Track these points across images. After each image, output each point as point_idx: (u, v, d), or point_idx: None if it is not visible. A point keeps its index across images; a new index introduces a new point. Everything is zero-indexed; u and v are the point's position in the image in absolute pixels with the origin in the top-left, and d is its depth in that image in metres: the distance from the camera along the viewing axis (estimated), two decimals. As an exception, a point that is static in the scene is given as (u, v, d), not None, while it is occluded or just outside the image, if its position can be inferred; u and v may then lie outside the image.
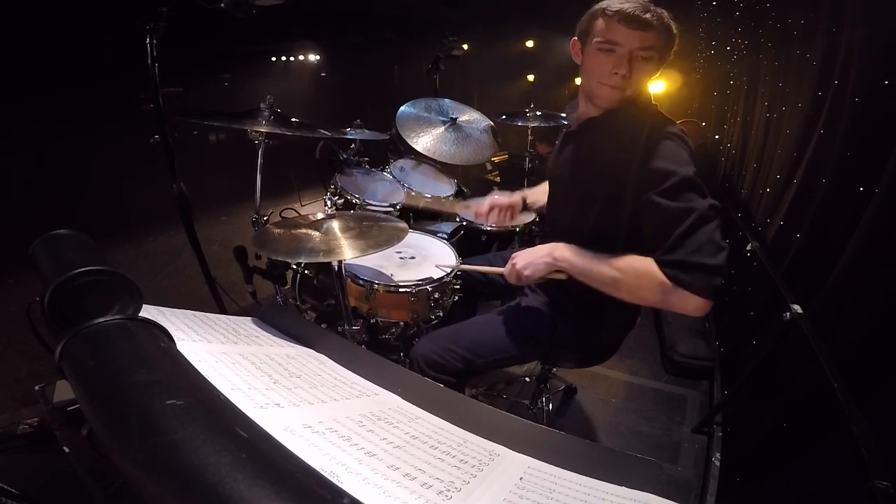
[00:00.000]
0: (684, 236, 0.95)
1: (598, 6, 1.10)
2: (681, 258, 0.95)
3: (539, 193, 1.54)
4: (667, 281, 0.96)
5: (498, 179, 3.99)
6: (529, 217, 2.05)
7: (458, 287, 1.55)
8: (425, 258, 1.63)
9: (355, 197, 1.92)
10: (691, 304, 0.96)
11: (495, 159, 3.82)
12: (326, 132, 1.87)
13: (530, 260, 1.18)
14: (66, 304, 0.43)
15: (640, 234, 1.05)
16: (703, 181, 1.02)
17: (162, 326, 0.46)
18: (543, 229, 1.97)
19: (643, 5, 1.04)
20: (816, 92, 1.65)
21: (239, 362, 0.60)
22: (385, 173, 2.22)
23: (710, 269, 0.93)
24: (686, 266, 0.94)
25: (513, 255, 1.24)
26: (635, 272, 1.02)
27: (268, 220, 1.83)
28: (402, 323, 1.57)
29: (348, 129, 2.25)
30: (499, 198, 1.53)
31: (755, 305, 1.88)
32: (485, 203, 1.53)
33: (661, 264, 0.97)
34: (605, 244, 1.10)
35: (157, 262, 2.87)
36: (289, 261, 1.76)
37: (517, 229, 2.01)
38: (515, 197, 1.54)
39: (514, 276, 1.20)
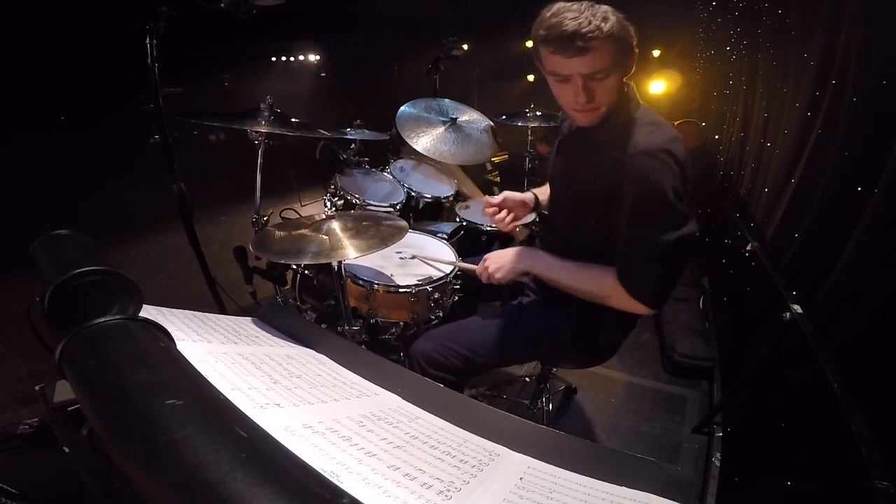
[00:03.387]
0: (646, 263, 1.04)
1: (534, 29, 1.01)
2: (639, 280, 1.06)
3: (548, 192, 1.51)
4: (624, 293, 1.07)
5: (498, 179, 3.99)
6: (530, 217, 2.05)
7: (458, 287, 1.56)
8: (425, 258, 1.63)
9: (355, 197, 1.92)
10: (640, 309, 1.10)
11: (495, 159, 3.81)
12: (326, 132, 1.87)
13: (501, 264, 1.26)
14: (66, 304, 0.43)
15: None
16: (704, 181, 1.03)
17: (162, 326, 0.46)
18: (543, 230, 1.97)
19: (575, 19, 0.93)
20: (814, 92, 1.65)
21: (239, 362, 0.60)
22: (385, 173, 2.22)
23: (662, 289, 1.08)
24: (643, 287, 1.07)
25: (486, 255, 1.31)
26: (596, 283, 1.13)
27: (268, 220, 1.83)
28: (402, 323, 1.57)
29: (348, 129, 2.25)
30: (512, 196, 1.43)
31: (755, 305, 1.88)
32: (497, 197, 1.43)
33: (621, 279, 1.07)
34: (604, 248, 1.11)
35: (157, 262, 2.87)
36: (290, 263, 1.76)
37: (517, 229, 2.01)
38: (527, 196, 1.46)
39: (486, 276, 1.28)
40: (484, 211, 1.47)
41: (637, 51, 1.05)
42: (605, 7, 0.98)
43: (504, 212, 1.42)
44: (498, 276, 1.25)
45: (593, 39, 0.93)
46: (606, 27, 0.94)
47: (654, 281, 1.05)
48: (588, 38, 0.93)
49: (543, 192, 1.52)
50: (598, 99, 1.04)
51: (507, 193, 1.44)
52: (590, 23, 0.93)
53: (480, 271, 1.30)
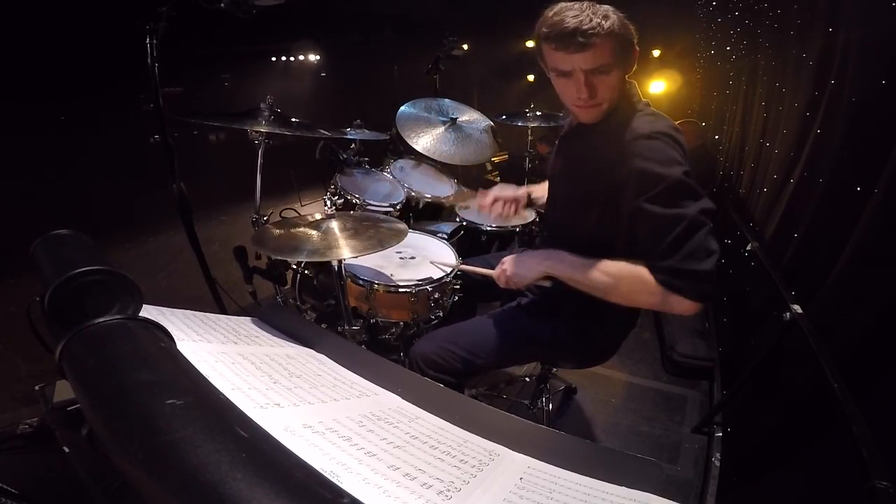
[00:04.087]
0: (675, 243, 0.94)
1: (537, 27, 1.04)
2: (672, 265, 0.95)
3: (544, 190, 1.51)
4: (659, 286, 0.97)
5: (498, 179, 3.99)
6: (530, 217, 2.05)
7: (458, 287, 1.56)
8: (425, 258, 1.63)
9: (355, 197, 1.93)
10: (683, 306, 0.97)
11: (495, 159, 3.82)
12: (326, 132, 1.87)
13: (520, 267, 1.20)
14: (66, 303, 0.43)
15: (635, 237, 1.04)
16: (704, 181, 1.02)
17: (162, 326, 0.46)
18: (543, 230, 1.97)
19: (576, 17, 0.95)
20: (813, 92, 1.65)
21: (239, 362, 0.60)
22: (385, 173, 2.22)
23: (701, 275, 0.93)
24: (677, 272, 0.95)
25: (503, 259, 1.26)
26: (628, 278, 1.02)
27: (268, 220, 1.83)
28: (402, 323, 1.57)
29: (348, 129, 2.25)
30: (503, 191, 1.50)
31: (755, 305, 1.88)
32: (489, 195, 1.49)
33: (652, 270, 0.98)
34: (604, 247, 1.10)
35: (157, 262, 2.86)
36: (288, 260, 1.76)
37: (517, 229, 2.01)
38: (520, 191, 1.50)
39: (504, 280, 1.23)
40: (479, 209, 1.52)
41: (638, 49, 1.06)
42: (605, 6, 0.99)
43: (499, 203, 1.46)
44: (516, 279, 1.20)
45: (594, 35, 0.95)
46: (607, 24, 0.96)
47: (688, 265, 0.93)
48: (589, 35, 0.95)
49: (538, 190, 1.53)
50: (601, 95, 1.04)
51: (497, 189, 1.48)
52: (591, 20, 0.95)
53: (498, 275, 1.24)
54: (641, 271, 1.00)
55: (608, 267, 1.05)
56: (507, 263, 1.23)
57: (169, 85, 1.56)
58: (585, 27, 0.95)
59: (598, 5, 0.99)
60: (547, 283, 1.21)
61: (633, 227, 1.03)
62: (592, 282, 1.07)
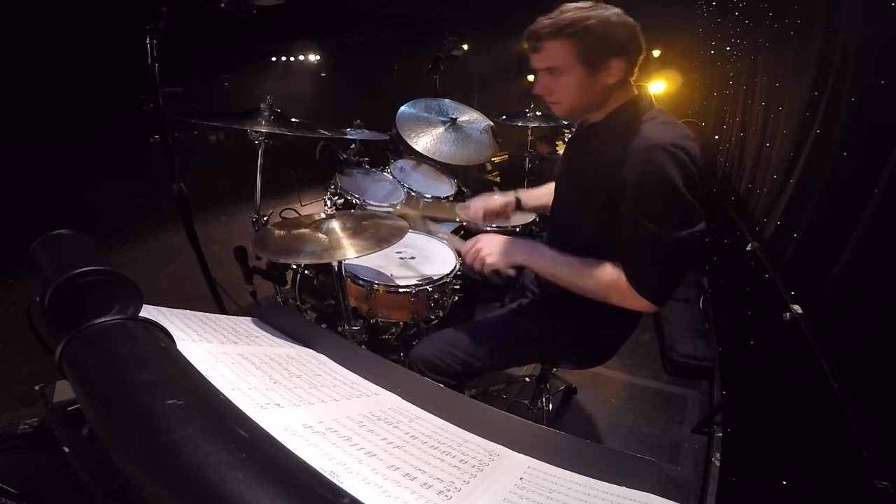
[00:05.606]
0: (657, 258, 1.02)
1: None
2: (649, 276, 1.03)
3: (536, 194, 1.52)
4: (631, 290, 1.04)
5: (498, 179, 3.99)
6: (529, 217, 2.05)
7: (457, 287, 1.56)
8: (425, 258, 1.63)
9: (355, 197, 1.93)
10: (642, 306, 1.06)
11: (495, 159, 3.82)
12: (326, 132, 1.88)
13: (495, 249, 1.17)
14: (66, 304, 0.43)
15: (625, 240, 1.07)
16: (703, 181, 1.02)
17: (162, 326, 0.46)
18: (544, 230, 1.97)
19: (546, 18, 1.01)
20: (812, 92, 1.65)
21: (239, 362, 0.60)
22: (385, 173, 2.22)
23: (669, 287, 1.06)
24: (651, 283, 1.03)
25: (479, 236, 1.23)
26: (600, 278, 1.08)
27: (268, 220, 1.83)
28: (402, 323, 1.57)
29: (348, 129, 2.25)
30: (489, 201, 1.50)
31: (755, 305, 1.88)
32: (478, 210, 1.49)
33: (629, 275, 1.05)
34: (604, 249, 1.10)
35: (157, 262, 2.86)
36: (290, 262, 1.76)
37: (517, 229, 2.01)
38: (509, 197, 1.51)
39: (472, 256, 1.19)
40: (473, 223, 1.53)
41: (625, 56, 1.03)
42: (603, 7, 1.00)
43: (489, 214, 1.49)
44: (489, 260, 1.16)
45: (542, 39, 1.01)
46: (563, 27, 0.99)
47: (662, 279, 1.03)
48: (538, 37, 1.01)
49: (529, 194, 1.54)
50: (557, 95, 1.08)
51: (482, 203, 1.49)
52: (553, 22, 1.00)
53: (467, 250, 1.20)
54: (613, 274, 1.06)
55: (583, 266, 1.11)
56: (483, 241, 1.19)
57: (169, 85, 1.56)
58: (537, 28, 1.01)
59: (596, 4, 1.01)
60: (511, 272, 1.19)
61: (627, 231, 1.05)
62: (565, 278, 1.12)
